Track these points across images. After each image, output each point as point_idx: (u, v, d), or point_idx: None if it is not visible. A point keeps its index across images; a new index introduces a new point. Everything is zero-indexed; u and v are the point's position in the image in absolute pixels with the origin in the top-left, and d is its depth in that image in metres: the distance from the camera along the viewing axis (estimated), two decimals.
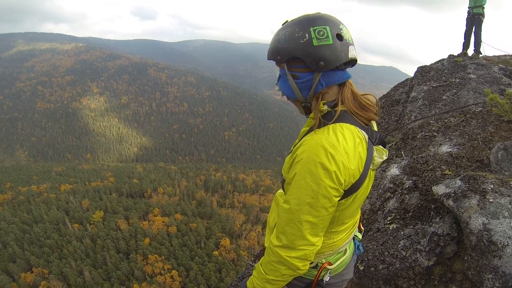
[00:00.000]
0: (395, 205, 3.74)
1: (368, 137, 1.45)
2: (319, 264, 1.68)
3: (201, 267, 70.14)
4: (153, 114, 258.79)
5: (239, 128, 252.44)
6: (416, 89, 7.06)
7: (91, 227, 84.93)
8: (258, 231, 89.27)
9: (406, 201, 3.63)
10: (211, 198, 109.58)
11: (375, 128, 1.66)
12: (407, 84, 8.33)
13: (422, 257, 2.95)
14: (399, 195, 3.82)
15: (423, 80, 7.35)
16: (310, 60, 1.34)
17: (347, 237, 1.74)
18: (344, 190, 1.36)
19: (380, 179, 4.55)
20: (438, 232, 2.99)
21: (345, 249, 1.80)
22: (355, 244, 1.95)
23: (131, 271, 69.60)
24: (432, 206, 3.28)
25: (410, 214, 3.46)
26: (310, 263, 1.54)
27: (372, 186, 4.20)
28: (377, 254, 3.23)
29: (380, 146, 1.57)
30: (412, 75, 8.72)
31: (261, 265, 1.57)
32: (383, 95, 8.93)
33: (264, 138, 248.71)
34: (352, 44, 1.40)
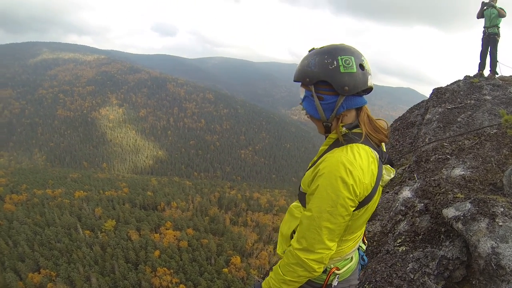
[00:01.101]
0: (406, 227, 3.73)
1: (379, 157, 1.68)
2: (328, 269, 1.82)
3: (209, 283, 69.50)
4: (170, 129, 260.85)
5: (255, 147, 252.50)
6: (431, 111, 7.04)
7: (102, 235, 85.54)
8: (270, 251, 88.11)
9: (416, 224, 3.61)
10: (224, 215, 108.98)
11: (384, 149, 1.84)
12: (423, 106, 8.29)
13: (430, 281, 2.93)
14: (410, 218, 3.82)
15: (438, 102, 7.35)
16: (337, 85, 1.53)
17: (354, 245, 1.90)
18: (358, 202, 1.55)
19: (393, 202, 4.53)
20: (448, 256, 2.96)
21: (352, 257, 1.94)
22: (359, 254, 2.10)
23: (138, 282, 69.43)
24: (443, 230, 3.26)
25: (420, 237, 3.44)
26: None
27: (384, 208, 4.52)
28: (385, 276, 3.20)
29: (388, 165, 1.82)
30: (428, 96, 8.70)
31: (279, 267, 1.74)
32: (399, 117, 9.14)
33: (280, 158, 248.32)
34: (371, 74, 1.61)
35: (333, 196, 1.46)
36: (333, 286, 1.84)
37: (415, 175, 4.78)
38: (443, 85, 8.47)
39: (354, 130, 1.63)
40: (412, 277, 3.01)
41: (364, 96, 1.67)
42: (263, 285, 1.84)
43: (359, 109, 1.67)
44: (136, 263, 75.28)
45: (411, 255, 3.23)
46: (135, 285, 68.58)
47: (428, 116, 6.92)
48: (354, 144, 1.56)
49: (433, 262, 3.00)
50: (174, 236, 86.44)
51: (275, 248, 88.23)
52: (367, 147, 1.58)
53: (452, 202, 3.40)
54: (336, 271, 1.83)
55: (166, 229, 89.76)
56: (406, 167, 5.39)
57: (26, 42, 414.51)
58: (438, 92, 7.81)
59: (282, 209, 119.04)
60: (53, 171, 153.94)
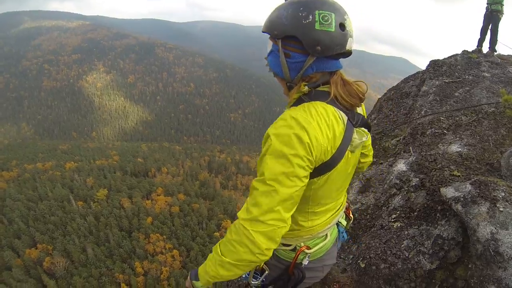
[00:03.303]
0: (401, 202, 3.64)
1: (348, 119, 1.46)
2: (297, 247, 1.67)
3: (201, 248, 70.61)
4: (159, 94, 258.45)
5: (245, 110, 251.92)
6: (428, 84, 6.85)
7: (95, 205, 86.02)
8: None
9: (412, 200, 3.53)
10: (215, 179, 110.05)
11: (362, 112, 1.66)
12: (418, 78, 8.09)
13: (425, 260, 2.89)
14: (405, 193, 3.72)
15: (435, 74, 7.14)
16: (308, 43, 1.33)
17: (329, 222, 1.73)
18: (315, 167, 1.37)
19: (387, 174, 4.40)
20: (443, 236, 2.92)
21: (326, 234, 1.77)
22: (339, 230, 1.92)
23: (133, 249, 70.41)
24: (439, 208, 3.18)
25: (415, 213, 3.36)
26: (287, 248, 1.67)
27: (378, 180, 4.37)
28: (379, 252, 3.15)
29: (362, 128, 1.56)
30: (422, 68, 8.57)
31: (219, 245, 1.45)
32: (392, 87, 8.78)
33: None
34: (352, 37, 1.41)
35: (288, 155, 1.26)
36: (303, 265, 1.70)
37: (410, 148, 4.69)
38: (439, 58, 8.16)
39: (321, 88, 1.46)
40: (407, 255, 2.96)
41: (340, 60, 1.50)
42: (200, 270, 1.57)
43: (332, 73, 1.48)
44: (130, 231, 76.22)
45: (406, 232, 3.18)
46: (130, 252, 69.55)
47: (424, 88, 6.78)
48: (313, 102, 1.39)
49: (428, 241, 2.95)
50: (166, 202, 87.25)
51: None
52: (330, 106, 1.39)
53: (449, 179, 3.35)
54: (306, 250, 1.68)
55: (158, 195, 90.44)
56: (400, 139, 5.32)
57: (5, 13, 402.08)
58: (435, 65, 7.68)
59: None
60: (42, 144, 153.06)
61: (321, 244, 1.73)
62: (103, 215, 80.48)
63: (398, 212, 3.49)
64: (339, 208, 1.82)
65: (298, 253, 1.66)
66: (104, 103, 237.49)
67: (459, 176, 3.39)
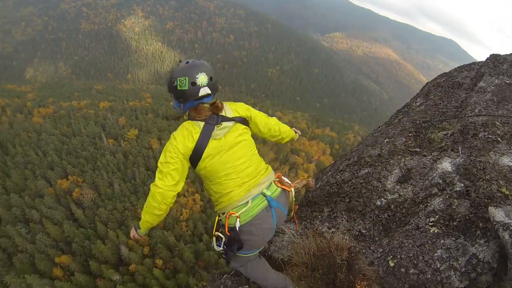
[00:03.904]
0: (441, 206, 3.33)
1: (207, 123, 2.40)
2: (226, 213, 2.46)
3: None
4: (197, 42, 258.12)
5: (283, 67, 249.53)
6: (486, 80, 5.97)
7: (125, 143, 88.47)
8: (285, 171, 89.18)
9: (453, 207, 3.23)
10: None
11: (233, 112, 2.62)
12: (474, 69, 6.88)
13: (456, 277, 2.72)
14: (447, 197, 3.40)
15: (495, 71, 6.17)
16: (176, 97, 2.42)
17: (244, 193, 2.46)
18: (190, 157, 2.40)
19: (429, 170, 4.00)
20: (479, 256, 2.73)
21: (247, 202, 2.45)
22: (267, 199, 2.55)
23: None
24: (481, 224, 2.91)
25: (455, 223, 3.09)
26: (223, 216, 2.51)
27: (419, 173, 3.96)
28: (411, 255, 2.96)
29: (222, 123, 2.45)
30: (473, 56, 6.95)
31: (146, 200, 2.50)
32: (444, 73, 7.32)
33: (307, 82, 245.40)
34: (205, 86, 2.36)
35: (165, 151, 2.40)
36: (237, 227, 2.40)
37: (459, 148, 4.18)
38: (492, 48, 6.86)
39: (186, 117, 2.55)
40: (438, 267, 2.80)
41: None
42: (140, 222, 2.63)
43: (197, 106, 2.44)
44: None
45: (442, 241, 2.96)
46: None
47: (482, 84, 6.00)
48: (186, 122, 2.45)
49: (463, 258, 2.78)
50: None
51: (290, 169, 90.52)
52: (192, 122, 2.41)
53: (496, 196, 3.01)
54: (233, 215, 2.41)
55: None
56: (448, 133, 4.73)
57: None
58: (495, 60, 6.66)
59: (302, 133, 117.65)
60: (78, 83, 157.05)
61: (243, 209, 2.42)
62: (131, 154, 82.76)
63: (437, 217, 3.23)
64: (253, 181, 2.53)
65: (227, 217, 2.44)
66: (141, 47, 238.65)
67: (507, 195, 3.01)
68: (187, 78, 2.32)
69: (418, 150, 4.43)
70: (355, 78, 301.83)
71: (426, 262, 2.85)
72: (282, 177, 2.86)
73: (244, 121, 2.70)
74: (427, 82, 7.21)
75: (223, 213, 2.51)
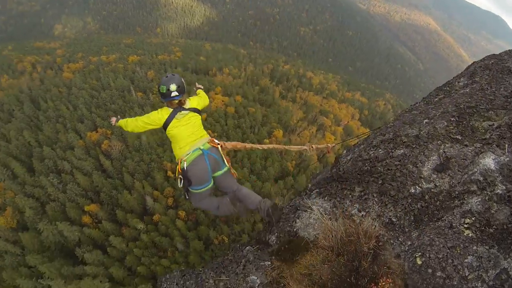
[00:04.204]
0: (479, 208, 3.16)
1: (174, 109, 4.47)
2: (180, 160, 4.48)
3: (249, 151, 70.43)
4: None
5: (316, 27, 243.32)
6: None
7: (154, 96, 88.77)
8: (312, 132, 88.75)
9: (492, 211, 3.07)
10: (275, 88, 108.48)
11: (191, 104, 4.71)
12: None
13: None
14: (486, 198, 3.21)
15: None
16: (160, 95, 4.49)
17: (188, 148, 4.45)
18: (163, 125, 4.53)
19: (470, 163, 3.73)
20: (510, 273, 2.63)
21: (189, 153, 4.41)
22: (203, 151, 4.48)
23: None
24: None
25: (491, 230, 2.96)
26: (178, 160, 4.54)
27: (458, 164, 3.73)
28: (440, 256, 2.88)
29: (183, 111, 4.51)
30: None
31: (127, 120, 4.89)
32: (493, 54, 6.59)
33: (340, 44, 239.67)
34: (174, 91, 4.34)
35: (150, 116, 4.60)
36: (185, 168, 4.35)
37: (506, 145, 3.84)
38: None
39: (165, 105, 4.61)
40: (466, 275, 2.70)
41: (175, 97, 4.41)
42: (121, 121, 4.97)
43: (173, 100, 4.51)
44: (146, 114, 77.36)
45: (475, 247, 2.85)
46: None
47: None
48: (165, 107, 4.53)
49: (493, 271, 2.66)
50: (222, 101, 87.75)
51: (318, 130, 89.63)
52: (167, 108, 4.52)
53: None
54: (183, 160, 4.40)
55: (216, 94, 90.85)
56: (494, 125, 4.28)
57: None
58: None
59: (332, 94, 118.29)
60: (107, 38, 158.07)
61: (187, 156, 4.41)
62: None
63: (473, 219, 3.09)
64: (194, 142, 4.51)
65: (179, 161, 4.46)
66: (170, 1, 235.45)
67: None
68: (164, 86, 4.35)
69: (460, 138, 4.15)
70: (390, 44, 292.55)
71: (455, 267, 2.75)
72: (214, 139, 4.76)
73: (195, 110, 4.75)
74: (474, 62, 6.66)
75: (179, 160, 4.52)
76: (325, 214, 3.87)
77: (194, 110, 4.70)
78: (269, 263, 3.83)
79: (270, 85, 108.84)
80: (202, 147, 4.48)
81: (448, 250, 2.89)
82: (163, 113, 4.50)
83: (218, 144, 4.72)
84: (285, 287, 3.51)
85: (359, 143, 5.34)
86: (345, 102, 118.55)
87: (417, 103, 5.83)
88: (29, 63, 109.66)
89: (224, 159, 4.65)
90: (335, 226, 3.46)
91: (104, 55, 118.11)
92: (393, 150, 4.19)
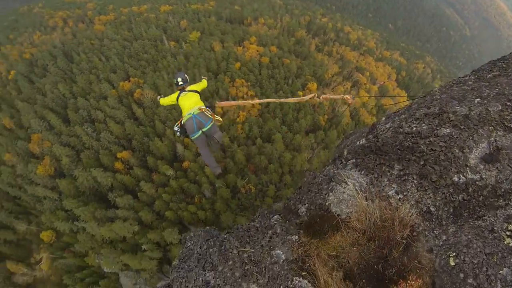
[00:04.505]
0: None
1: (180, 91, 7.81)
2: (182, 119, 7.50)
3: (282, 102, 69.68)
4: None
5: None
6: None
7: (187, 46, 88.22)
8: (347, 88, 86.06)
9: None
10: (311, 41, 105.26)
11: (191, 88, 7.92)
12: None
13: None
14: None
15: None
16: (175, 85, 7.97)
17: (186, 113, 7.39)
18: (176, 99, 7.85)
19: None
20: None
21: (185, 115, 7.35)
22: (192, 116, 7.28)
23: (216, 89, 72.18)
24: None
25: None
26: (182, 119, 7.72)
27: (509, 158, 3.43)
28: (475, 262, 2.72)
29: (185, 92, 7.77)
30: None
31: (163, 99, 8.38)
32: None
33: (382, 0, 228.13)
34: (180, 82, 7.89)
35: (171, 96, 8.00)
36: (182, 122, 7.39)
37: None
38: None
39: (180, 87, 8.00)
40: (499, 287, 2.56)
41: (181, 85, 7.89)
42: (161, 99, 8.46)
43: (184, 87, 7.95)
44: (216, 73, 77.55)
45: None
46: (213, 92, 71.26)
47: None
48: (177, 91, 7.95)
49: None
50: (257, 51, 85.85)
51: (352, 86, 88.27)
52: (178, 91, 7.87)
53: None
54: (183, 119, 7.37)
55: (250, 44, 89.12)
56: None
57: None
58: None
59: (369, 51, 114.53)
60: None
61: (185, 118, 7.33)
62: (193, 56, 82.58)
63: None
64: (191, 109, 7.34)
65: (181, 120, 7.45)
66: None
67: None
68: (179, 78, 7.80)
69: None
70: (437, 4, 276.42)
71: (488, 277, 2.60)
72: (202, 107, 7.39)
73: (194, 91, 7.72)
74: None
75: (181, 119, 7.44)
76: (361, 192, 3.65)
77: (193, 91, 7.75)
78: (297, 237, 3.69)
79: (306, 37, 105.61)
80: (192, 113, 7.29)
81: (484, 257, 2.70)
82: (175, 94, 7.82)
83: (208, 108, 7.58)
84: (310, 267, 3.33)
85: (399, 111, 4.94)
86: (382, 60, 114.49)
87: (466, 75, 5.26)
88: (60, 19, 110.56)
89: (209, 118, 7.39)
90: (370, 208, 3.27)
91: (135, 5, 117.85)
92: (438, 128, 3.82)
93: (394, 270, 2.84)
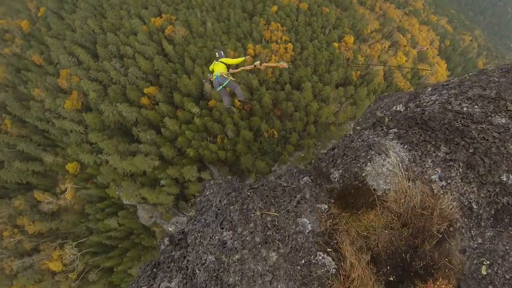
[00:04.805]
0: None
1: (216, 60, 11.00)
2: (211, 76, 10.90)
3: (316, 51, 69.06)
4: None
5: None
6: None
7: None
8: (384, 47, 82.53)
9: None
10: None
11: (219, 60, 11.12)
12: None
13: None
14: None
15: None
16: (216, 58, 11.14)
17: (214, 74, 10.57)
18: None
19: None
20: None
21: (215, 76, 10.51)
22: (216, 76, 10.51)
23: (250, 31, 71.09)
24: None
25: None
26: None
27: None
28: (508, 277, 2.53)
29: (217, 62, 10.98)
30: None
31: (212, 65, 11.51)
32: None
33: None
34: (218, 56, 11.04)
35: (213, 63, 11.12)
36: (212, 80, 10.63)
37: None
38: None
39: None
40: None
41: (218, 58, 10.95)
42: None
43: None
44: (252, 14, 75.80)
45: None
46: (247, 33, 70.26)
47: None
48: (216, 60, 11.02)
49: None
50: None
51: (390, 46, 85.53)
52: (215, 61, 10.98)
53: None
54: (211, 78, 10.63)
55: None
56: None
57: None
58: None
59: (415, 12, 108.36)
60: None
61: (213, 77, 10.51)
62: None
63: None
64: (216, 72, 10.49)
65: (211, 77, 10.70)
66: None
67: None
68: (216, 53, 11.13)
69: None
70: None
71: None
72: (221, 72, 10.44)
73: (223, 62, 10.73)
74: None
75: (211, 77, 10.71)
76: (403, 169, 3.28)
77: (222, 62, 10.64)
78: (326, 207, 3.42)
79: None
80: (216, 75, 10.28)
81: None
82: (214, 62, 10.81)
83: (228, 74, 10.51)
84: (337, 244, 3.17)
85: (448, 84, 4.35)
86: (427, 24, 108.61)
87: None
88: None
89: (226, 78, 10.28)
90: (411, 191, 2.99)
91: None
92: (493, 115, 3.34)
93: (422, 264, 2.70)
